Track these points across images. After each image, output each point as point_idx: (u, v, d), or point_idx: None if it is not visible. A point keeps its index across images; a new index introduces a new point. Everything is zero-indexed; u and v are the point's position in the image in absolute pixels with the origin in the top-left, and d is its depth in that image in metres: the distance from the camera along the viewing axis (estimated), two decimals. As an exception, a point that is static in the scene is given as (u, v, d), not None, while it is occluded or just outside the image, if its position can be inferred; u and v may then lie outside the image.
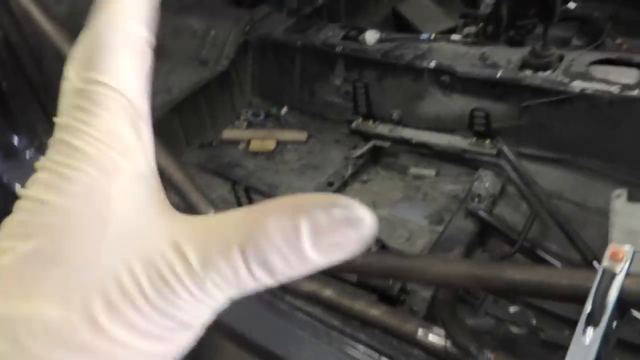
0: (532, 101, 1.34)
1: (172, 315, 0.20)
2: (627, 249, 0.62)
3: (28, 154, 1.28)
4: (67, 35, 1.06)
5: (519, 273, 0.68)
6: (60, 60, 1.15)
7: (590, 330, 0.59)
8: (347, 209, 0.19)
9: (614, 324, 0.60)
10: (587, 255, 1.16)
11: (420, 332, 0.87)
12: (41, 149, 1.30)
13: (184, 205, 1.02)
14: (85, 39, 0.24)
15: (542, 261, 1.23)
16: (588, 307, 0.60)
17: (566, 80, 1.30)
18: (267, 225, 0.20)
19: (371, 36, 1.59)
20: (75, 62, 0.24)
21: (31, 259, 0.20)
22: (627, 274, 0.61)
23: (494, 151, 1.39)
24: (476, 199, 1.33)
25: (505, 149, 1.38)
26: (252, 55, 1.81)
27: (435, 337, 0.86)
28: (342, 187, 1.50)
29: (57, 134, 0.23)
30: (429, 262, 0.75)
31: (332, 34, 1.66)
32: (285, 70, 1.77)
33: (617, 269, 0.61)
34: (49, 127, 1.01)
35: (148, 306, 0.20)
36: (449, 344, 0.84)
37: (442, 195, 1.46)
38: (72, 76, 0.24)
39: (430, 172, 1.52)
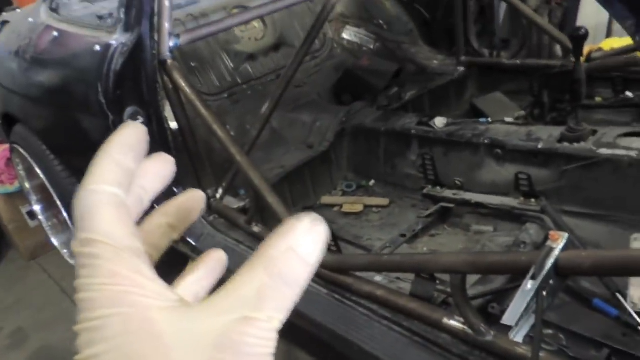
0: (568, 166, 1.63)
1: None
2: (562, 235, 0.92)
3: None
4: (214, 116, 1.59)
5: (496, 257, 1.00)
6: (209, 132, 1.68)
7: (531, 282, 0.88)
8: (310, 216, 0.29)
9: (550, 281, 0.89)
10: (611, 288, 1.37)
11: (444, 319, 1.17)
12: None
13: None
14: (77, 205, 0.29)
15: (576, 294, 1.44)
16: (532, 270, 0.90)
17: (595, 149, 1.58)
18: (272, 256, 0.27)
19: (440, 121, 1.99)
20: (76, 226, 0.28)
21: None
22: (562, 250, 0.90)
23: (538, 208, 1.67)
24: (521, 246, 1.60)
25: (548, 206, 1.65)
26: (348, 140, 2.29)
27: (455, 323, 1.15)
28: (412, 238, 1.84)
29: (77, 294, 0.27)
30: (440, 256, 1.08)
31: (409, 121, 2.09)
32: (372, 151, 2.21)
33: (554, 246, 0.91)
34: (196, 182, 1.62)
35: None
36: (465, 326, 1.13)
37: (497, 247, 1.73)
38: (74, 243, 0.28)
39: (488, 228, 1.81)
